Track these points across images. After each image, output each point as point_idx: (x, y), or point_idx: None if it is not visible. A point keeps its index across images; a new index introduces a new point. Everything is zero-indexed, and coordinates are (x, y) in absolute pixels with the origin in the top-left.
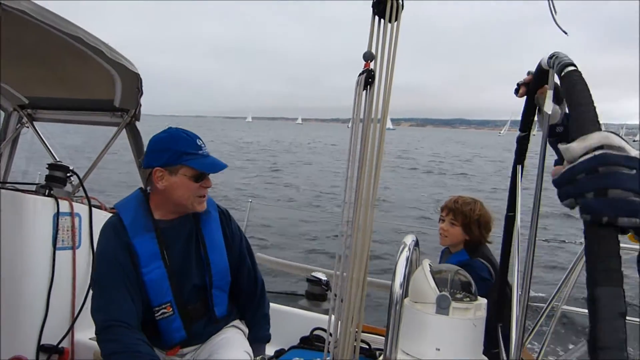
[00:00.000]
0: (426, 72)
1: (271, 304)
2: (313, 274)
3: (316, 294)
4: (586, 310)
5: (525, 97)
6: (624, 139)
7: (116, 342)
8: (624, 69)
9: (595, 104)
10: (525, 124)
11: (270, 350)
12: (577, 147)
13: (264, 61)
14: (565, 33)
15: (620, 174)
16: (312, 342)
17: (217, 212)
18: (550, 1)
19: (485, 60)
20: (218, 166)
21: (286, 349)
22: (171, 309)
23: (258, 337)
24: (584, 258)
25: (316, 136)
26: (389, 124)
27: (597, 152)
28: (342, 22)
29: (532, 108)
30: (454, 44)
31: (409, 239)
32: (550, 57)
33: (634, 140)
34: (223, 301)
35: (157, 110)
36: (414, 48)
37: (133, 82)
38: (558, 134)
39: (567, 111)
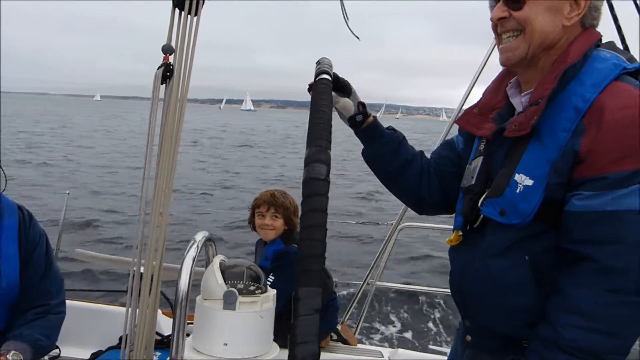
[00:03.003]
0: (288, 55)
1: (89, 304)
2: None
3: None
4: (400, 285)
5: None
6: None
7: None
8: (463, 60)
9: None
10: None
11: (86, 353)
12: None
13: (118, 36)
14: (358, 38)
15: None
16: None
17: (15, 219)
18: (343, 9)
19: (344, 45)
20: None
21: (104, 349)
22: None
23: (21, 336)
24: (394, 238)
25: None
26: (249, 105)
27: None
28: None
29: None
30: (318, 27)
31: (200, 236)
32: (317, 62)
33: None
34: (1, 317)
35: None
36: (274, 31)
37: None
38: (359, 122)
39: (360, 100)
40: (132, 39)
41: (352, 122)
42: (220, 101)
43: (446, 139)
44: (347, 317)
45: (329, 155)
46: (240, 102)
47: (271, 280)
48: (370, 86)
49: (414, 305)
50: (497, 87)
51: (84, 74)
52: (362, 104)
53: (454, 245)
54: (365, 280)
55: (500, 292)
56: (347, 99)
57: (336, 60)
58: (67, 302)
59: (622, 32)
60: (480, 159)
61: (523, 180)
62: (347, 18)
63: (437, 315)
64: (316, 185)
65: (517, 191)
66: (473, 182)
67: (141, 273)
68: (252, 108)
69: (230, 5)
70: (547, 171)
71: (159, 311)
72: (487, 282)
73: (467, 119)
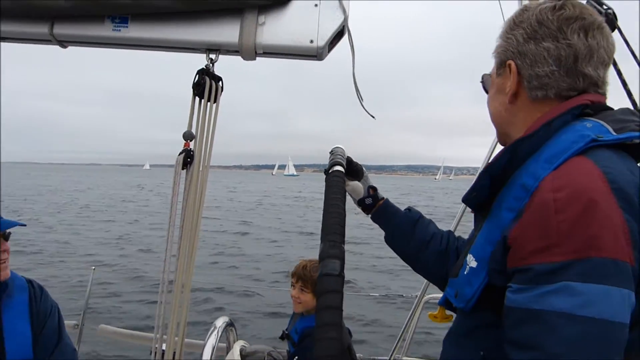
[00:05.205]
0: (329, 120)
1: None
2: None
3: None
4: None
5: None
6: None
7: None
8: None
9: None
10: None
11: None
12: None
13: (162, 107)
14: (373, 117)
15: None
16: None
17: (26, 295)
18: (358, 91)
19: (381, 107)
20: None
21: None
22: None
23: None
24: (419, 310)
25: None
26: (292, 170)
27: None
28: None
29: None
30: (352, 93)
31: (220, 321)
32: (330, 152)
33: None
34: None
35: (43, 158)
36: (318, 97)
37: None
38: (369, 205)
39: (370, 184)
40: (176, 110)
41: (362, 205)
42: (268, 167)
43: None
44: None
45: (342, 249)
46: (283, 167)
47: None
48: (413, 147)
49: None
50: None
51: (134, 144)
52: (373, 188)
53: (438, 322)
54: (392, 355)
55: None
56: (357, 182)
57: (377, 121)
58: None
59: (628, 87)
60: None
61: (470, 261)
62: (362, 99)
63: None
64: (330, 281)
65: (465, 272)
66: None
67: (163, 350)
68: (295, 173)
69: (265, 77)
70: (489, 254)
71: None
72: None
73: None
